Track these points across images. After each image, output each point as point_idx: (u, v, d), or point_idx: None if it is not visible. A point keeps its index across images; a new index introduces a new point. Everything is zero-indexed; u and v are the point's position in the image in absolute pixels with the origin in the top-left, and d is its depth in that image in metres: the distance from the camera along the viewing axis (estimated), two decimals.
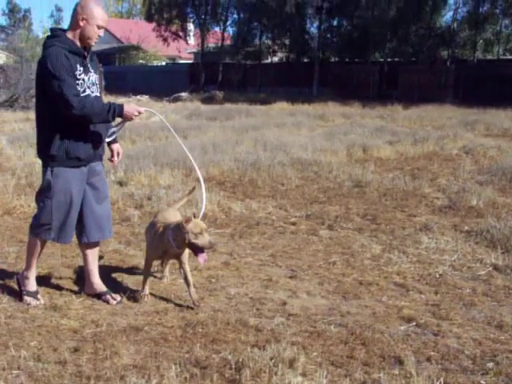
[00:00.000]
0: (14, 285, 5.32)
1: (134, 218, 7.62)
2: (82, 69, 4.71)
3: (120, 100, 28.50)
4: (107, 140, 5.01)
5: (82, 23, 4.68)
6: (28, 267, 5.05)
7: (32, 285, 5.03)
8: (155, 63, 52.84)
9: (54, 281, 5.40)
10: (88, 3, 4.70)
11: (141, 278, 5.39)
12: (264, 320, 4.67)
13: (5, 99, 25.92)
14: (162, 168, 10.23)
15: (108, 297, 5.06)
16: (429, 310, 4.93)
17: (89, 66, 4.81)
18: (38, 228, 4.91)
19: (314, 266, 6.03)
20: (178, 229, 4.79)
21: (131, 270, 5.86)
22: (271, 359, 3.87)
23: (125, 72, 45.54)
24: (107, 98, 26.31)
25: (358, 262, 6.13)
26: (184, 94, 33.90)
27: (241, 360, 3.90)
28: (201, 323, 4.56)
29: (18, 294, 5.11)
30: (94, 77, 4.85)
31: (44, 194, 4.87)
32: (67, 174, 4.78)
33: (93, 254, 5.18)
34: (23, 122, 19.00)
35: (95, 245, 5.17)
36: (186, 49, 53.96)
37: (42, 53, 4.75)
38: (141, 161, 10.57)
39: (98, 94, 4.93)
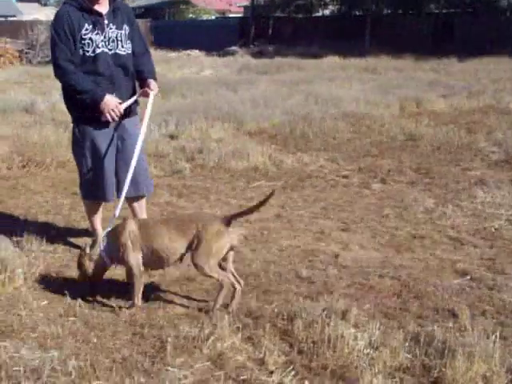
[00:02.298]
0: (68, 235, 5.42)
1: (186, 171, 7.65)
2: (90, 27, 4.60)
3: (170, 55, 28.51)
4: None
5: None
6: (93, 230, 5.11)
7: None
8: (205, 17, 52.55)
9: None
10: None
11: None
12: (316, 272, 4.67)
13: None
14: (212, 121, 10.20)
15: None
16: (483, 264, 4.85)
17: (106, 22, 4.67)
18: (82, 187, 5.02)
19: (366, 219, 5.98)
20: None
21: None
22: (323, 310, 3.87)
23: (174, 26, 45.30)
24: (157, 53, 26.28)
25: (410, 216, 6.06)
26: (234, 49, 33.67)
27: (293, 311, 3.90)
28: (253, 274, 4.59)
29: (72, 245, 5.22)
30: (115, 33, 4.72)
31: (74, 151, 4.94)
32: (92, 130, 4.78)
33: (139, 208, 5.14)
34: None
35: (137, 199, 5.09)
36: (236, 3, 53.47)
37: None
38: (192, 114, 10.56)
39: (126, 51, 4.80)
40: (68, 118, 10.75)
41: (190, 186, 7.05)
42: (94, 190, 4.90)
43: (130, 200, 5.05)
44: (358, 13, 39.76)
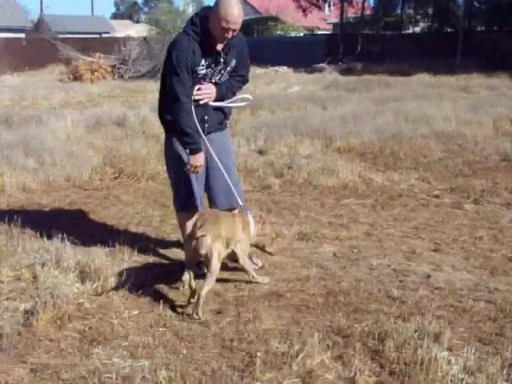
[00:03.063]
0: (159, 247, 5.49)
1: (275, 187, 7.65)
2: (206, 63, 4.62)
3: (258, 71, 28.74)
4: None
5: (211, 16, 4.55)
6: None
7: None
8: (293, 34, 52.78)
9: None
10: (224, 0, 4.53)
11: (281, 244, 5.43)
12: (407, 292, 4.56)
13: (147, 70, 26.81)
14: (301, 137, 10.20)
15: None
16: None
17: (221, 60, 4.69)
18: (175, 200, 5.04)
19: (458, 239, 5.82)
20: None
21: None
22: (415, 332, 3.78)
23: (263, 43, 45.57)
24: None
25: (506, 238, 5.85)
26: (322, 65, 33.66)
27: (384, 331, 3.82)
28: (343, 292, 4.52)
29: (162, 256, 5.28)
30: (222, 66, 4.73)
31: (167, 163, 5.03)
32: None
33: None
34: None
35: (231, 211, 5.07)
36: (325, 20, 53.56)
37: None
38: (280, 130, 10.59)
39: (221, 80, 4.81)
40: (158, 131, 10.98)
41: (279, 202, 7.05)
42: (187, 202, 4.94)
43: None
44: (449, 30, 39.13)
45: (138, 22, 73.22)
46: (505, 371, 3.41)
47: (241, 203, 5.07)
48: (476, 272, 5.03)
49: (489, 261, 5.28)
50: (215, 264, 4.25)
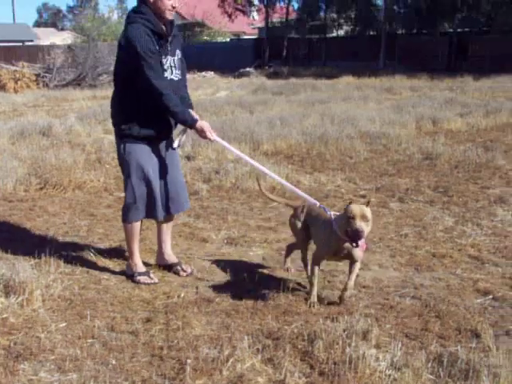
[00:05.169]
0: (86, 257, 5.40)
1: (203, 192, 7.63)
2: (159, 51, 4.56)
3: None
4: (176, 147, 4.95)
5: None
6: (131, 254, 5.06)
7: (140, 267, 5.01)
8: (220, 39, 52.86)
9: (125, 253, 5.42)
10: None
11: (210, 250, 5.43)
12: (336, 292, 4.62)
13: (73, 78, 26.43)
14: (229, 142, 10.17)
15: (179, 268, 5.07)
16: (506, 283, 4.78)
17: (169, 47, 4.65)
18: (127, 211, 4.91)
19: (385, 238, 5.93)
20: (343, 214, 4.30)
21: (201, 243, 5.87)
22: (344, 331, 3.82)
23: (190, 49, 45.65)
24: None
25: (430, 235, 6.00)
26: (249, 70, 33.85)
27: (313, 331, 3.86)
28: (272, 295, 4.54)
29: (90, 266, 5.20)
30: (171, 59, 4.69)
31: (124, 172, 4.89)
32: (139, 150, 4.75)
33: (167, 226, 5.21)
34: (91, 100, 19.41)
35: (171, 217, 5.19)
36: (250, 24, 53.84)
37: (124, 28, 4.60)
38: None
39: (177, 77, 4.79)
40: (84, 140, 10.82)
41: (208, 207, 7.04)
42: (146, 209, 4.88)
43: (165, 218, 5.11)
44: (372, 33, 39.91)
45: (62, 29, 72.13)
46: (430, 365, 3.49)
47: (189, 206, 5.39)
48: (402, 269, 5.14)
49: (414, 257, 5.39)
50: None
